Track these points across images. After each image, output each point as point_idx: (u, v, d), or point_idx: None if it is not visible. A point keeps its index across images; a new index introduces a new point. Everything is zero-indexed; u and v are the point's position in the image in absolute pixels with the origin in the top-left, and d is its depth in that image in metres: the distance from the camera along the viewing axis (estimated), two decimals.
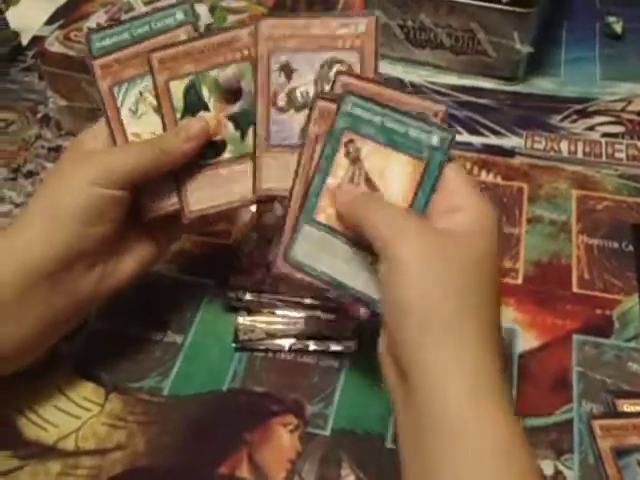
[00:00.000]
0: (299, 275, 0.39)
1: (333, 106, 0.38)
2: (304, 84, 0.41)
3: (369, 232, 0.35)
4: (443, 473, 0.30)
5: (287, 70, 0.41)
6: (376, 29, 0.40)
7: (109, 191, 0.40)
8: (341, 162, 0.38)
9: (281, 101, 0.41)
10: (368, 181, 0.37)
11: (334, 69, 0.40)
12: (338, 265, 0.38)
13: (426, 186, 0.36)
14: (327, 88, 0.40)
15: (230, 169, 0.42)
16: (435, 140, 0.36)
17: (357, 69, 0.40)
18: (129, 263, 0.43)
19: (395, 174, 0.36)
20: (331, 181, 0.38)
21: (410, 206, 0.36)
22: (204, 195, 0.42)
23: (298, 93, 0.41)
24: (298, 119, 0.41)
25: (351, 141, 0.37)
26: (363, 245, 0.37)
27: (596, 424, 0.41)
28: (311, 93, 0.40)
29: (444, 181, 0.36)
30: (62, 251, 0.39)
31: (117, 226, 0.41)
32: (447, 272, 0.32)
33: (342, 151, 0.38)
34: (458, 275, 0.32)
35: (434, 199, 0.36)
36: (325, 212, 0.38)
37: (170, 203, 0.42)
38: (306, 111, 0.40)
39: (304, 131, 0.39)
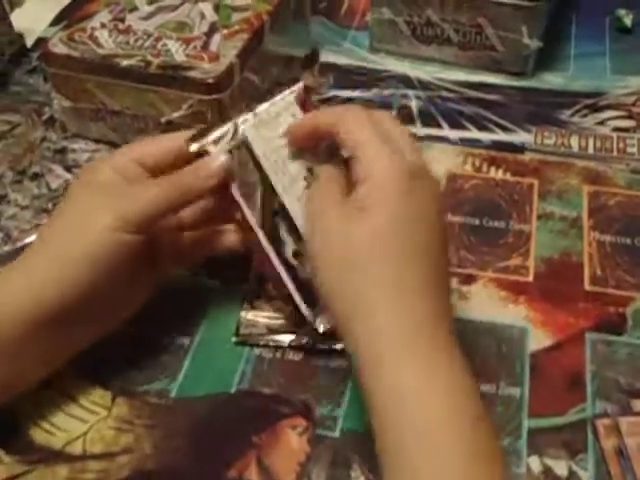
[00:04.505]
0: None
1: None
2: None
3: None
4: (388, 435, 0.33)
5: None
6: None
7: (127, 236, 0.39)
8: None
9: None
10: None
11: None
12: None
13: None
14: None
15: None
16: None
17: None
18: (137, 296, 0.43)
19: None
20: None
21: None
22: None
23: None
24: None
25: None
26: None
27: (599, 423, 0.40)
28: None
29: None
30: (70, 299, 0.39)
31: (132, 268, 0.40)
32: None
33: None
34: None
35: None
36: None
37: None
38: None
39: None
